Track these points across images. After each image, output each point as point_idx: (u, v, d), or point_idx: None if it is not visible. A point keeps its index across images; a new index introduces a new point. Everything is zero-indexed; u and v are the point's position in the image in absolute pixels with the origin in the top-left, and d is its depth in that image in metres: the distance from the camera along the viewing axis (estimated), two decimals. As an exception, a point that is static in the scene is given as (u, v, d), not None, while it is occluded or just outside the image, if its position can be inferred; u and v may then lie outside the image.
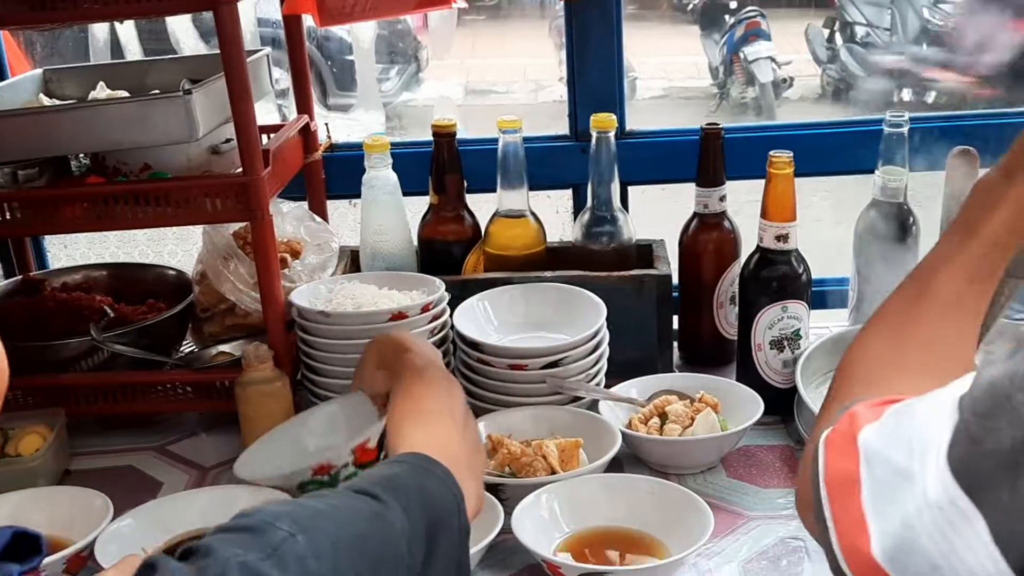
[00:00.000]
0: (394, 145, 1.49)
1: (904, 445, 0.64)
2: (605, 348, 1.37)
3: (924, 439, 0.63)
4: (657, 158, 1.66)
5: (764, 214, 1.36)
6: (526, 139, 1.47)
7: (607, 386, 1.37)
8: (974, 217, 0.79)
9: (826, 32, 7.11)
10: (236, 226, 1.48)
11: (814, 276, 1.39)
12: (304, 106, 1.58)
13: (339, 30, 5.69)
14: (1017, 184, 0.78)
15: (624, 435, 1.25)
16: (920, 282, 0.80)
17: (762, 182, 1.36)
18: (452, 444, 0.86)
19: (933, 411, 0.64)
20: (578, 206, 1.69)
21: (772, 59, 6.68)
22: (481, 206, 1.54)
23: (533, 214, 1.51)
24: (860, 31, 6.84)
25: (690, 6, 7.84)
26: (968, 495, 0.59)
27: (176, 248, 3.63)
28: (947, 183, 1.22)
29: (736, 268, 1.47)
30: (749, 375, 1.39)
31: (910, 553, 0.62)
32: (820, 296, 1.48)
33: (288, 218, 1.53)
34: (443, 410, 0.90)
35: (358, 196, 1.51)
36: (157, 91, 1.47)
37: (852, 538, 0.65)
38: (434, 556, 0.75)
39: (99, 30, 4.10)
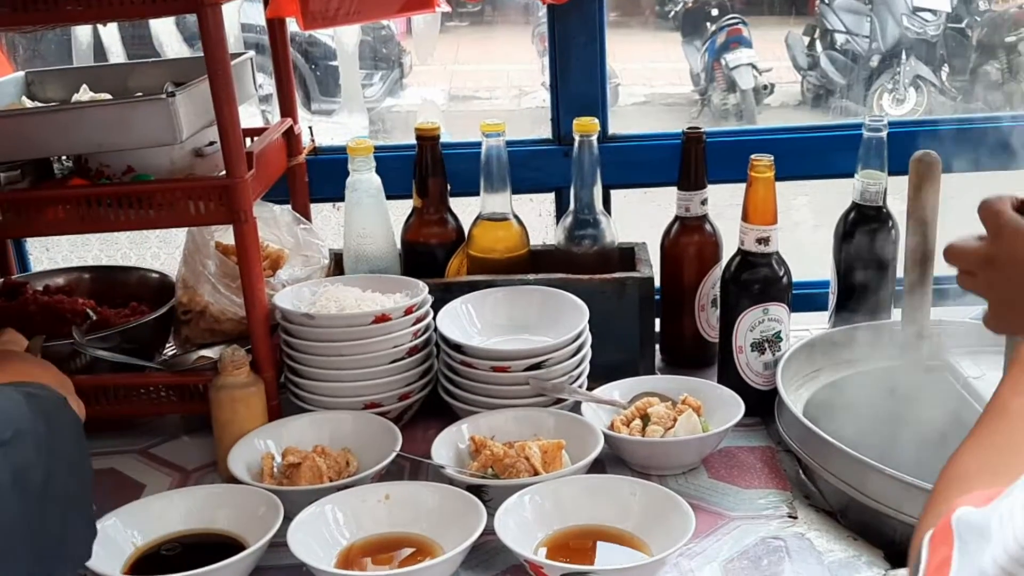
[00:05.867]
0: (377, 148, 1.50)
1: (996, 516, 0.63)
2: (587, 350, 1.38)
3: (1014, 505, 0.62)
4: (639, 162, 1.67)
5: (745, 217, 1.37)
6: (509, 143, 1.48)
7: (589, 388, 1.37)
8: None
9: (806, 39, 7.18)
10: (220, 230, 1.48)
11: (795, 279, 1.40)
12: (288, 109, 1.59)
13: (323, 36, 5.70)
14: None
15: (606, 436, 1.26)
16: (998, 404, 0.82)
17: (743, 186, 1.37)
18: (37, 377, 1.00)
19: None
20: (560, 209, 1.70)
21: (753, 66, 6.74)
22: (464, 209, 1.55)
23: (516, 217, 1.51)
24: (840, 38, 6.91)
25: (672, 13, 7.88)
26: None
27: (159, 251, 3.62)
28: (910, 186, 1.25)
29: (717, 271, 1.48)
30: (730, 377, 1.40)
31: None
32: (801, 299, 1.49)
33: (279, 222, 1.53)
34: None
35: (342, 199, 1.51)
36: (140, 94, 1.47)
37: None
38: (56, 431, 0.88)
39: (82, 33, 4.08)
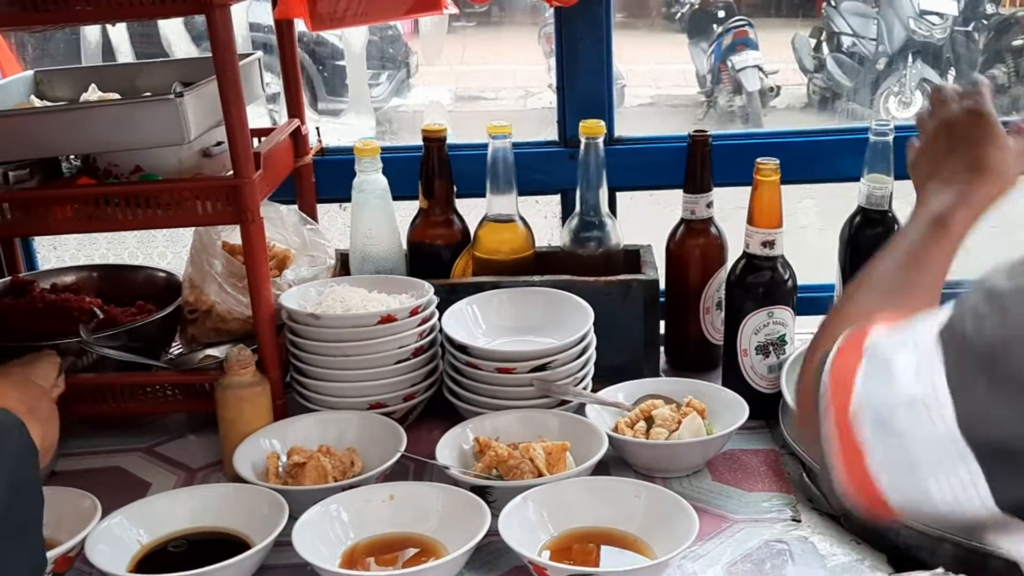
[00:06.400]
0: (384, 149, 1.50)
1: (900, 343, 0.74)
2: (592, 352, 1.38)
3: (916, 337, 0.73)
4: (645, 164, 1.68)
5: (750, 220, 1.37)
6: (515, 144, 1.48)
7: (594, 390, 1.37)
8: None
9: (813, 42, 7.17)
10: (227, 229, 1.48)
11: (800, 282, 1.40)
12: (295, 110, 1.59)
13: (330, 36, 5.70)
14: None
15: (611, 438, 1.26)
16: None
17: (749, 189, 1.37)
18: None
19: (930, 316, 0.73)
20: (566, 211, 1.70)
21: (759, 68, 6.73)
22: (470, 210, 1.55)
23: (522, 219, 1.51)
24: (846, 41, 6.90)
25: (678, 15, 7.87)
26: (946, 381, 0.69)
27: (166, 250, 3.62)
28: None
29: (722, 274, 1.48)
30: (734, 380, 1.40)
31: (887, 422, 0.72)
32: (805, 302, 1.48)
33: (286, 222, 1.53)
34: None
35: (348, 200, 1.51)
36: (148, 93, 1.47)
37: (845, 424, 0.75)
38: None
39: (91, 32, 4.10)
